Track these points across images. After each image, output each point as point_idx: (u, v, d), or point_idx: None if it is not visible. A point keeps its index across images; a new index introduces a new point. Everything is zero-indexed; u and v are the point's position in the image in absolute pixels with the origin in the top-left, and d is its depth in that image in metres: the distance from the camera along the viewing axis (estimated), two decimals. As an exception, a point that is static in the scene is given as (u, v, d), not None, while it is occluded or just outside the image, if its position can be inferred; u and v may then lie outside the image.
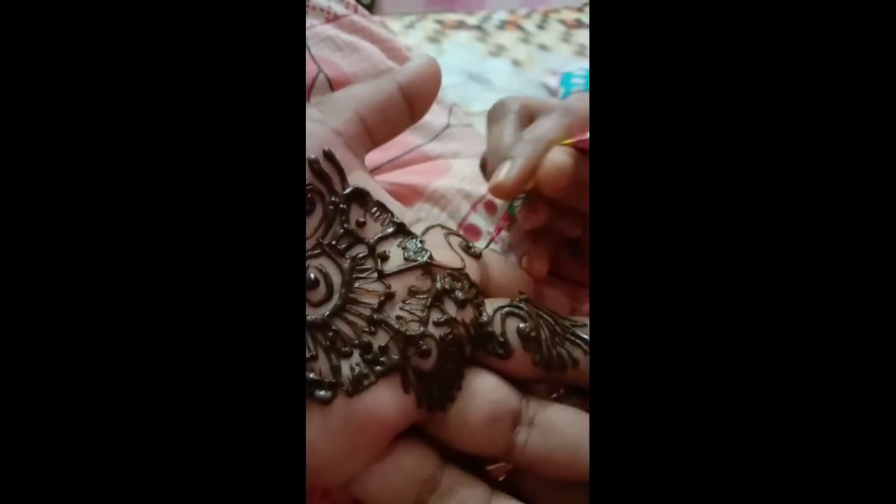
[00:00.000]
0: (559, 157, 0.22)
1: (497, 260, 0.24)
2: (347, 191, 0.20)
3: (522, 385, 0.20)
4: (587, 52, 1.23)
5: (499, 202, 0.35)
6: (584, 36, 1.28)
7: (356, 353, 0.18)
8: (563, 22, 1.32)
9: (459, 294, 0.19)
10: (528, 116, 0.28)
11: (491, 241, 0.24)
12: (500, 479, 0.21)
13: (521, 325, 0.20)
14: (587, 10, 1.38)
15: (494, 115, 0.29)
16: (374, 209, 0.20)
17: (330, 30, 0.41)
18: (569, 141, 0.23)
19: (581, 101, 0.26)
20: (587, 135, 0.23)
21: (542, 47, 1.23)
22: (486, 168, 0.27)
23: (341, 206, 0.20)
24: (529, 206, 0.25)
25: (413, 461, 0.19)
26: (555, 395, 0.22)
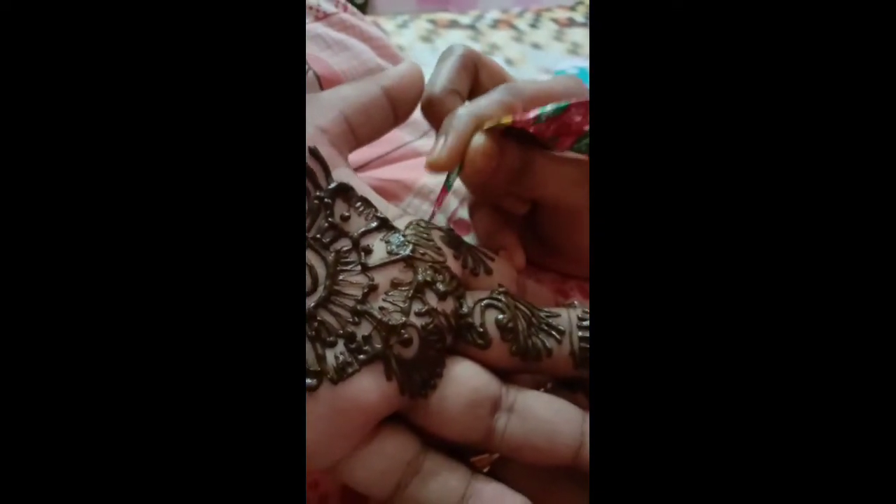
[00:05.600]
0: (481, 141, 0.22)
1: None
2: (332, 186, 0.20)
3: (504, 375, 0.21)
4: (580, 51, 1.23)
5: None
6: (576, 34, 1.29)
7: (340, 343, 0.19)
8: (555, 21, 1.32)
9: (441, 286, 0.20)
10: (472, 67, 0.27)
11: (432, 216, 0.24)
12: (485, 470, 0.22)
13: (500, 317, 0.20)
14: (580, 8, 1.39)
15: (442, 57, 0.27)
16: (358, 204, 0.21)
17: (319, 28, 0.41)
18: (507, 119, 0.22)
19: (533, 83, 0.25)
20: (529, 114, 0.22)
21: (535, 46, 1.23)
22: (423, 108, 0.26)
23: (326, 200, 0.20)
24: (469, 186, 0.25)
25: (396, 445, 0.19)
26: (542, 389, 0.22)
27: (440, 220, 0.34)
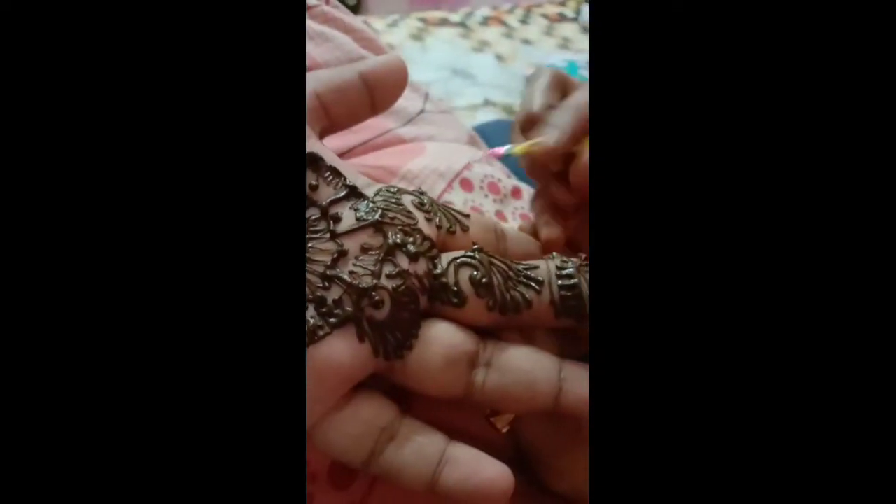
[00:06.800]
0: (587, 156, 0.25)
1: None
2: None
3: (485, 333, 0.21)
4: (570, 45, 1.24)
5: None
6: (566, 29, 1.29)
7: (311, 308, 0.19)
8: (545, 16, 1.33)
9: (411, 248, 0.20)
10: (562, 84, 0.30)
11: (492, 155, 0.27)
12: (504, 430, 0.22)
13: (474, 273, 0.20)
14: (570, 3, 1.39)
15: (530, 80, 0.31)
16: (327, 173, 0.21)
17: (301, 19, 0.42)
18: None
19: None
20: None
21: (526, 41, 1.24)
22: (518, 127, 0.29)
23: None
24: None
25: (371, 410, 0.19)
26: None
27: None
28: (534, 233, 0.28)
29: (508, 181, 0.41)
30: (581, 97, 0.26)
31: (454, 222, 0.22)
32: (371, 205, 0.20)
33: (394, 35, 1.19)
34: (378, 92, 0.24)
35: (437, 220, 0.22)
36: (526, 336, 0.21)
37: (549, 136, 0.25)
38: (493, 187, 0.40)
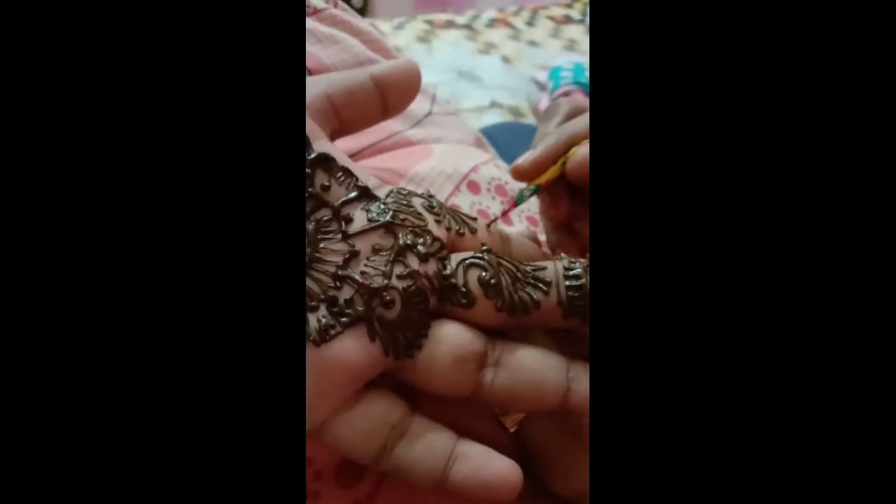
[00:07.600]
0: (586, 149, 0.26)
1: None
2: (312, 156, 0.21)
3: (494, 333, 0.21)
4: (576, 47, 1.24)
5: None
6: (573, 31, 1.29)
7: (322, 307, 0.19)
8: (552, 18, 1.33)
9: (421, 248, 0.20)
10: (571, 116, 0.31)
11: (494, 220, 0.26)
12: (512, 429, 0.22)
13: (482, 274, 0.20)
14: (576, 5, 1.39)
15: (545, 115, 0.32)
16: (339, 174, 0.21)
17: (310, 23, 0.42)
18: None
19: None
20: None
21: (532, 43, 1.24)
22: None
23: (306, 170, 0.21)
24: (551, 200, 0.29)
25: (381, 408, 0.19)
26: None
27: None
28: (535, 239, 0.29)
29: (516, 184, 0.41)
30: (571, 124, 0.28)
31: (462, 225, 0.22)
32: (382, 206, 0.21)
33: (400, 37, 1.20)
34: (390, 95, 0.24)
35: (446, 222, 0.22)
36: (525, 337, 0.21)
37: (522, 157, 0.27)
38: (501, 190, 0.40)
